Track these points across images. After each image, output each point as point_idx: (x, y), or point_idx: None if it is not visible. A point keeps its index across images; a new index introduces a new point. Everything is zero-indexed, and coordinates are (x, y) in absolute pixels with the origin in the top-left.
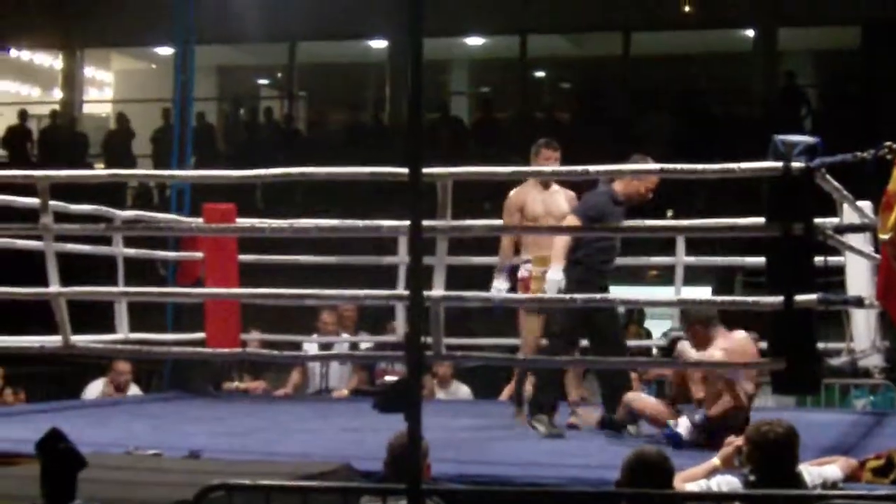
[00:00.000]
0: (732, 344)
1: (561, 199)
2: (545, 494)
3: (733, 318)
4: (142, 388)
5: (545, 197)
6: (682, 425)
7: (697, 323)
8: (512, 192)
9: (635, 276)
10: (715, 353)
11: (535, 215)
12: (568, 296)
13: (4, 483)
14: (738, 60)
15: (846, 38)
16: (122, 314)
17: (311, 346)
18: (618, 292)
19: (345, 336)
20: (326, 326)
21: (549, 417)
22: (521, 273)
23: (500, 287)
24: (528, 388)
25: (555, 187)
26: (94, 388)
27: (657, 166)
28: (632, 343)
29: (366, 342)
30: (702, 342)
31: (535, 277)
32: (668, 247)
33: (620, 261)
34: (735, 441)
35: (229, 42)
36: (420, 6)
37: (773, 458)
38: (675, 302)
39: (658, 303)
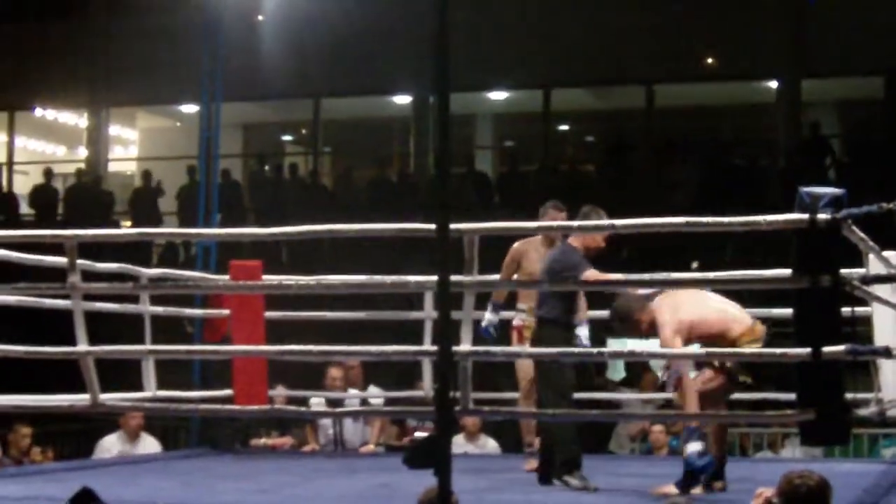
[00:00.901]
0: (669, 307)
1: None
2: None
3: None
4: (168, 444)
5: (545, 255)
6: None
7: (626, 318)
8: (516, 244)
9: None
10: (667, 333)
11: (531, 271)
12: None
13: None
14: (761, 111)
15: (869, 89)
16: (149, 372)
17: (317, 402)
18: (646, 345)
19: (353, 392)
20: (335, 382)
21: (578, 470)
22: (516, 322)
23: (490, 319)
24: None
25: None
26: (108, 442)
27: (673, 220)
28: (663, 395)
29: (376, 398)
30: (648, 330)
31: (528, 326)
32: None
33: None
34: (765, 493)
35: (254, 99)
36: (446, 63)
37: None
38: (701, 354)
39: (684, 355)
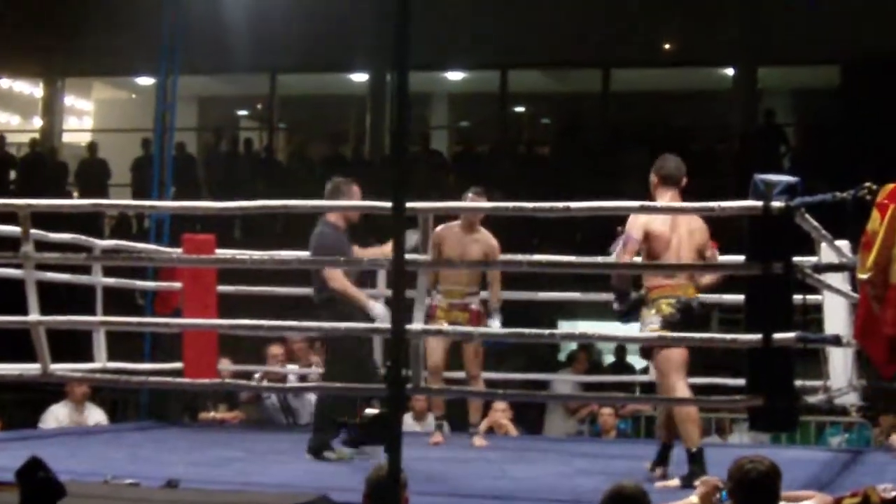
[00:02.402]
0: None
1: (478, 247)
2: None
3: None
4: (117, 416)
5: (464, 240)
6: None
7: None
8: (437, 229)
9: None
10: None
11: (450, 256)
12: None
13: None
14: (717, 98)
15: (825, 77)
16: (100, 343)
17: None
18: (593, 327)
19: (292, 367)
20: (276, 357)
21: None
22: (433, 301)
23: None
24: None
25: (478, 235)
26: (55, 411)
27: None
28: (612, 378)
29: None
30: None
31: (440, 307)
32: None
33: (598, 297)
34: (712, 480)
35: (210, 73)
36: (406, 42)
37: (754, 496)
38: (654, 339)
39: (636, 339)
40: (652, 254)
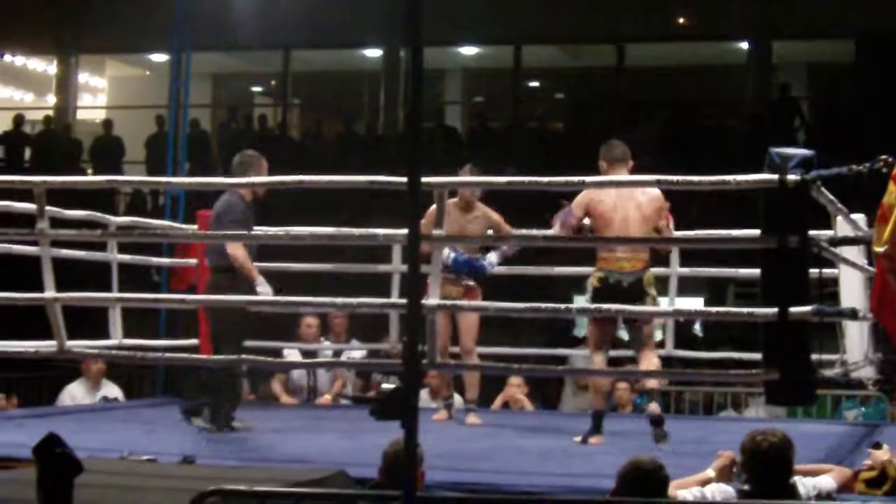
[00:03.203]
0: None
1: (477, 225)
2: (540, 503)
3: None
4: (133, 393)
5: (462, 219)
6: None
7: None
8: (430, 209)
9: None
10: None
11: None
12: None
13: (0, 488)
14: (731, 72)
15: (840, 52)
16: (116, 320)
17: (291, 353)
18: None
19: (327, 343)
20: (309, 331)
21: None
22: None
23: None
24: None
25: (477, 211)
26: (72, 389)
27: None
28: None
29: (357, 350)
30: None
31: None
32: (660, 258)
33: None
34: (728, 453)
35: (224, 49)
36: (418, 17)
37: (767, 468)
38: (669, 312)
39: (652, 312)
40: (596, 230)
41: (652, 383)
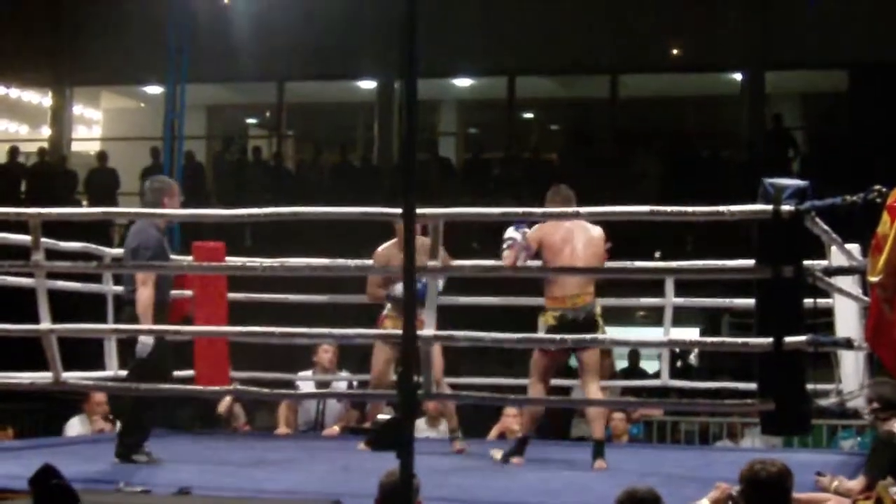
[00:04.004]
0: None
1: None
2: None
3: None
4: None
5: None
6: None
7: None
8: (380, 249)
9: (625, 317)
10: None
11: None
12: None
13: None
14: (725, 103)
15: (833, 82)
16: (111, 351)
17: (304, 384)
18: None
19: (344, 374)
20: (325, 356)
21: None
22: (383, 312)
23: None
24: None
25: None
26: (74, 425)
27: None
28: (623, 383)
29: (352, 380)
30: None
31: (389, 316)
32: (655, 287)
33: (610, 301)
34: (725, 486)
35: (219, 81)
36: (414, 49)
37: (766, 498)
38: (665, 343)
39: (647, 343)
40: (546, 263)
41: (594, 413)
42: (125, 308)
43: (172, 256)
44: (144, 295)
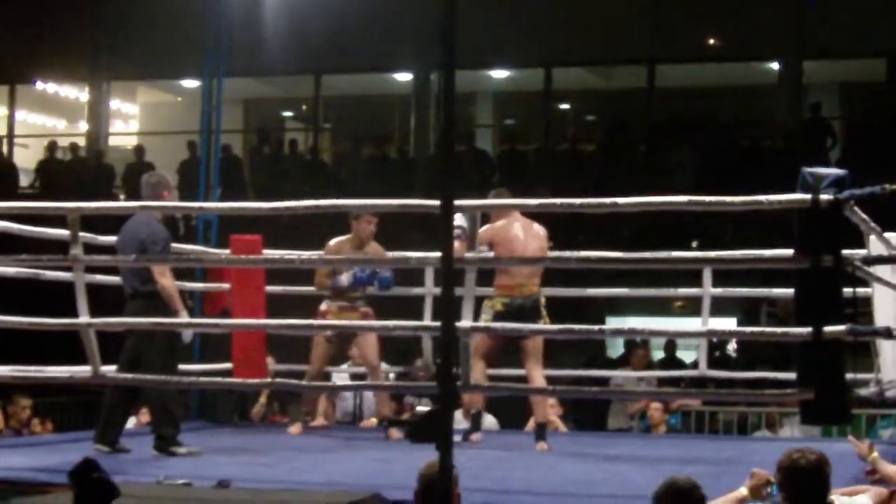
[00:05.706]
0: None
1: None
2: None
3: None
4: None
5: (358, 254)
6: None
7: None
8: (331, 242)
9: (662, 308)
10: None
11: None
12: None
13: None
14: (763, 93)
15: (872, 71)
16: None
17: (340, 376)
18: (642, 323)
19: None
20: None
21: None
22: (322, 307)
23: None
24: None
25: (371, 249)
26: None
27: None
28: (661, 373)
29: (390, 373)
30: None
31: (331, 311)
32: (692, 278)
33: (647, 292)
34: (763, 473)
35: (255, 75)
36: (453, 40)
37: (804, 486)
38: (703, 333)
39: (685, 334)
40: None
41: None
42: (135, 301)
43: (209, 250)
44: (168, 283)
